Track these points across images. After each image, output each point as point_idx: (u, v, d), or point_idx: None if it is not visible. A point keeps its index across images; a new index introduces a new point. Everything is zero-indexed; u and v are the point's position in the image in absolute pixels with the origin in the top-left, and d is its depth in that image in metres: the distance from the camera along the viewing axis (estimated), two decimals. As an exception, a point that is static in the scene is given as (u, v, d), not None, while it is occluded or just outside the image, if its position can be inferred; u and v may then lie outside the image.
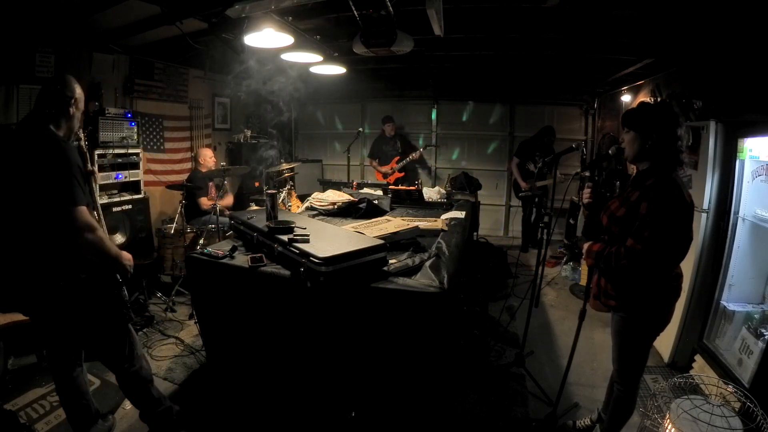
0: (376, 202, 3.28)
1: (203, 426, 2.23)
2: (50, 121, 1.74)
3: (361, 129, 5.65)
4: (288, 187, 4.54)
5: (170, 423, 2.10)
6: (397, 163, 5.73)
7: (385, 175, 5.77)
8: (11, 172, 1.69)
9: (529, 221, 5.46)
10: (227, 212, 3.78)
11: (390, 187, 4.26)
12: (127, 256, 1.87)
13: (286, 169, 4.68)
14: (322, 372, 2.08)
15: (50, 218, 1.66)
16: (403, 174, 5.74)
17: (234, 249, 2.32)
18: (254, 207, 4.51)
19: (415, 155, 5.63)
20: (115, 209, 3.73)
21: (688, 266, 2.63)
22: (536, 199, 5.22)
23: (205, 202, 4.07)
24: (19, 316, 2.28)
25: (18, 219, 1.70)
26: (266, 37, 2.80)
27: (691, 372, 2.65)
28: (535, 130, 5.53)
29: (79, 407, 1.98)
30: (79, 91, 1.84)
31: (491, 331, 3.29)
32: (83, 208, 1.68)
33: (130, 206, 3.86)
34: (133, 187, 4.01)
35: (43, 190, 1.64)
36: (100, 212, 2.15)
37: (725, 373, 2.40)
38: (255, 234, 2.40)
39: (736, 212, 2.57)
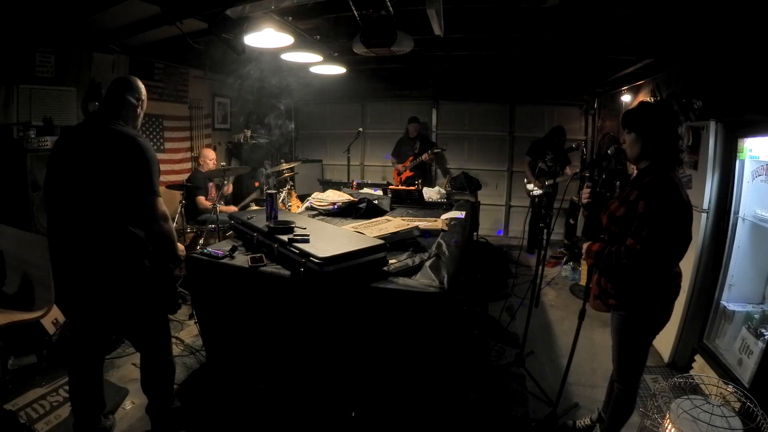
0: (376, 202, 3.28)
1: (203, 426, 2.23)
2: (122, 119, 1.85)
3: (361, 129, 5.65)
4: (288, 187, 4.54)
5: (175, 422, 2.11)
6: (411, 162, 5.73)
7: (399, 173, 5.82)
8: (85, 166, 1.76)
9: (537, 222, 5.46)
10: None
11: (390, 187, 4.26)
12: (182, 248, 2.02)
13: (286, 169, 4.68)
14: (322, 372, 2.08)
15: (128, 207, 1.76)
16: (412, 173, 5.72)
17: (234, 249, 2.32)
18: (254, 207, 4.51)
19: (424, 157, 5.64)
20: (115, 209, 3.73)
21: (688, 266, 2.64)
22: (536, 199, 5.22)
23: (202, 202, 4.07)
24: (19, 316, 2.28)
25: (90, 208, 1.75)
26: (266, 37, 2.80)
27: (691, 372, 2.65)
28: (536, 130, 5.52)
29: (95, 402, 2.00)
30: (145, 93, 1.97)
31: (491, 331, 3.29)
32: (161, 199, 1.83)
33: (130, 206, 3.85)
34: (133, 187, 4.01)
35: (128, 181, 1.75)
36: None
37: (725, 373, 2.40)
38: (255, 234, 2.40)
39: (736, 212, 2.57)
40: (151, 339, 2.00)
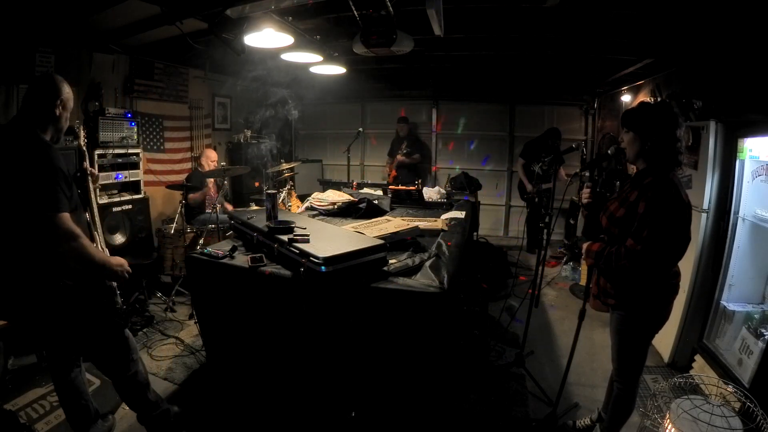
0: (376, 202, 3.28)
1: (203, 426, 2.23)
2: (36, 124, 1.67)
3: (361, 129, 5.66)
4: (288, 187, 4.54)
5: (168, 425, 2.10)
6: (395, 162, 5.86)
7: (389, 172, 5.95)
8: None
9: (535, 222, 5.46)
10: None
11: (390, 187, 4.26)
12: (117, 261, 1.79)
13: (286, 169, 4.68)
14: (322, 372, 2.08)
15: (32, 224, 1.59)
16: (395, 173, 5.80)
17: (234, 249, 2.32)
18: (254, 207, 4.51)
19: (399, 158, 5.78)
20: (115, 209, 3.74)
21: (688, 266, 2.64)
22: (536, 199, 5.22)
23: (192, 198, 3.99)
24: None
25: (2, 224, 1.64)
26: (266, 37, 2.80)
27: (691, 372, 2.65)
28: (536, 130, 5.51)
29: (78, 407, 1.98)
30: (66, 91, 1.75)
31: (491, 331, 3.29)
32: (65, 215, 1.60)
33: (130, 206, 3.86)
34: (133, 187, 4.01)
35: (25, 196, 1.57)
36: (96, 213, 2.13)
37: (725, 373, 2.40)
38: (255, 234, 2.40)
39: (736, 212, 2.57)
40: (100, 357, 1.92)
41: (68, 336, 1.82)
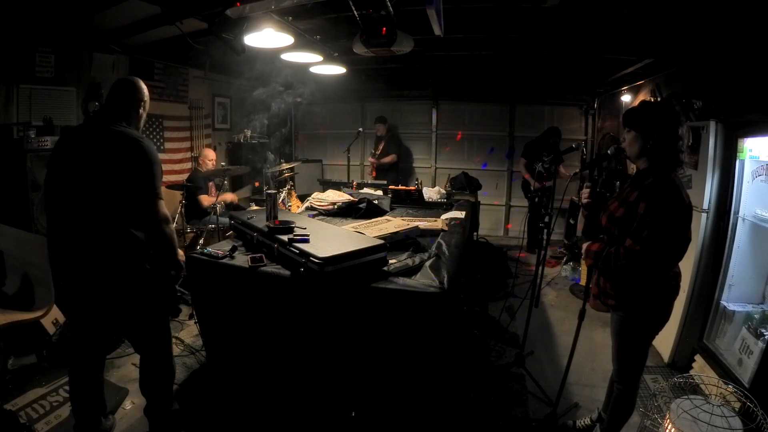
0: (376, 202, 3.29)
1: (203, 426, 2.23)
2: (125, 120, 1.84)
3: (360, 129, 5.65)
4: (288, 187, 4.54)
5: (174, 424, 2.10)
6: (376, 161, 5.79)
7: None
8: (87, 167, 1.74)
9: (536, 222, 5.46)
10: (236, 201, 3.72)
11: (390, 187, 4.26)
12: (182, 253, 2.00)
13: (286, 169, 4.68)
14: (322, 372, 2.08)
15: (130, 209, 1.75)
16: (375, 174, 5.73)
17: (234, 249, 2.32)
18: (254, 207, 4.51)
19: (370, 159, 5.70)
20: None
21: (688, 266, 2.64)
22: (536, 199, 5.23)
23: (206, 200, 4.05)
24: (19, 316, 2.28)
25: (92, 210, 1.74)
26: (266, 37, 2.80)
27: (691, 372, 2.65)
28: (535, 130, 5.51)
29: (94, 404, 1.99)
30: (146, 93, 1.96)
31: (491, 331, 3.29)
32: (163, 201, 1.81)
33: (130, 206, 3.85)
34: (133, 187, 4.01)
35: (129, 183, 1.73)
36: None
37: (725, 373, 2.40)
38: (255, 234, 2.40)
39: (736, 212, 2.57)
40: (152, 342, 1.99)
41: (134, 317, 1.91)
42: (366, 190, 4.31)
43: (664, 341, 2.85)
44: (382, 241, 2.09)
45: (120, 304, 1.84)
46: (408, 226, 2.58)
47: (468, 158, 6.49)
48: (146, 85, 1.99)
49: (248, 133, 5.69)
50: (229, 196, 4.29)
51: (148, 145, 1.79)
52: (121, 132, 1.78)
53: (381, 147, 5.73)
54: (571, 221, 4.89)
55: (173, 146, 4.80)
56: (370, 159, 5.74)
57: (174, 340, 3.10)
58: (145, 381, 2.03)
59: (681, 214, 1.66)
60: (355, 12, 2.70)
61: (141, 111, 1.93)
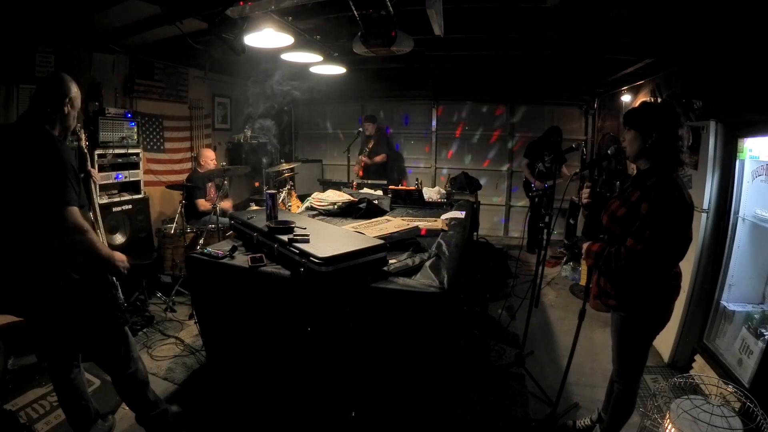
0: (376, 202, 3.28)
1: (203, 426, 2.23)
2: (45, 120, 1.71)
3: (361, 129, 5.65)
4: (288, 187, 4.54)
5: (166, 425, 2.10)
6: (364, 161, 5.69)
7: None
8: (5, 171, 1.66)
9: (537, 222, 5.45)
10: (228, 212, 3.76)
11: (390, 187, 4.26)
12: (120, 257, 1.83)
13: (286, 169, 4.68)
14: (322, 372, 2.08)
15: (42, 218, 1.63)
16: (362, 173, 5.62)
17: (234, 249, 2.32)
18: (254, 207, 4.51)
19: (369, 160, 5.59)
20: (115, 209, 3.74)
21: (688, 266, 2.64)
22: (536, 199, 5.23)
23: (203, 204, 4.07)
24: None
25: (11, 218, 1.67)
26: (266, 37, 2.80)
27: (691, 372, 2.65)
28: (535, 130, 5.51)
29: (78, 408, 1.98)
30: (74, 90, 1.80)
31: (491, 331, 3.29)
32: (74, 209, 1.65)
33: (130, 206, 3.86)
34: (133, 187, 4.01)
35: (36, 189, 1.62)
36: (98, 213, 2.14)
37: (725, 373, 2.40)
38: (255, 234, 2.40)
39: (736, 212, 2.57)
40: (101, 354, 1.93)
41: (71, 330, 1.82)
42: (366, 190, 4.31)
43: (664, 341, 2.85)
44: (382, 241, 2.09)
45: (51, 316, 1.76)
46: (408, 226, 2.58)
47: (468, 158, 6.49)
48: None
49: (248, 133, 5.68)
50: (226, 204, 4.30)
51: (61, 148, 1.66)
52: (37, 133, 1.66)
53: (371, 146, 5.65)
54: (571, 221, 4.89)
55: (173, 146, 4.80)
56: (362, 158, 5.65)
57: (174, 340, 3.10)
58: (119, 393, 2.01)
59: (683, 214, 1.66)
60: (355, 12, 2.70)
61: (67, 109, 1.76)
